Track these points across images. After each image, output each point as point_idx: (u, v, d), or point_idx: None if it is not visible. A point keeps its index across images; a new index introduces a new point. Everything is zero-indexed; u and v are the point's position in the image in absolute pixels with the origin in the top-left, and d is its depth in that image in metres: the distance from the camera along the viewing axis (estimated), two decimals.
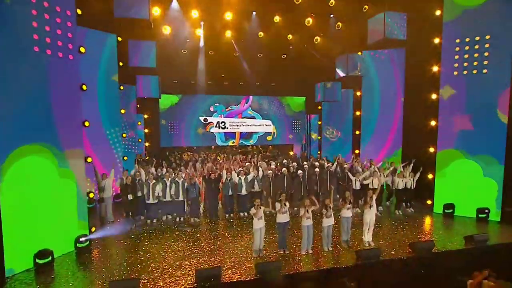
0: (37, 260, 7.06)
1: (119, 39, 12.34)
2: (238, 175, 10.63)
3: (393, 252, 7.72)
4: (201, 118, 17.76)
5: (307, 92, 18.78)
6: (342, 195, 8.82)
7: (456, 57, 10.19)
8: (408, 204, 10.93)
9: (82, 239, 7.90)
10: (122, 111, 12.93)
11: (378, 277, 7.07)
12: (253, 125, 18.59)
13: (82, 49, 8.12)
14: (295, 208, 9.91)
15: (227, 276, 6.61)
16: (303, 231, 7.63)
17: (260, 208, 7.57)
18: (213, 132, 18.02)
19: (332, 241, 8.01)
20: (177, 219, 10.19)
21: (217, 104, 18.03)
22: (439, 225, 9.77)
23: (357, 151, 15.30)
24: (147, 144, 16.56)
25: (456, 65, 10.22)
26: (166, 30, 14.11)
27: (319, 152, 17.96)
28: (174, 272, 6.78)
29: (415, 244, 7.64)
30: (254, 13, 13.60)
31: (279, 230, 7.77)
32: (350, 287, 5.96)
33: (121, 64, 12.61)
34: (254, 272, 6.70)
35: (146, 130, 16.68)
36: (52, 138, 7.39)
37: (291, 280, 6.61)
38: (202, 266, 6.95)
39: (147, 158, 15.06)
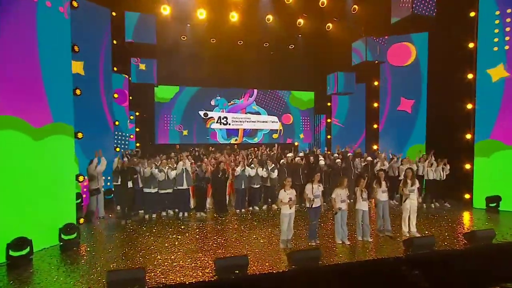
0: (11, 252, 5.88)
1: (114, 14, 11.52)
2: (250, 167, 9.73)
3: (445, 244, 6.77)
4: (201, 113, 16.80)
5: (316, 86, 18.13)
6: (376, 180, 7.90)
7: (496, 30, 9.60)
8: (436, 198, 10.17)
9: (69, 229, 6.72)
10: (115, 95, 11.94)
11: (433, 270, 6.09)
12: (257, 121, 17.69)
13: (75, 3, 7.19)
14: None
15: (254, 268, 5.54)
16: (357, 215, 6.89)
17: (292, 188, 6.62)
18: (214, 129, 17.02)
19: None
20: (181, 214, 9.08)
21: (219, 98, 17.12)
22: (484, 219, 8.83)
23: (375, 147, 14.49)
24: (138, 144, 15.40)
25: (496, 39, 9.61)
26: (166, 10, 13.31)
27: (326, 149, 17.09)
28: (185, 265, 5.69)
29: (473, 233, 6.70)
30: None
31: (311, 216, 6.82)
32: (415, 276, 4.97)
33: (115, 42, 11.75)
34: (286, 263, 5.66)
35: (138, 129, 15.63)
36: (33, 109, 6.35)
37: (333, 271, 5.58)
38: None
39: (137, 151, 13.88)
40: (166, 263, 5.76)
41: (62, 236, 6.69)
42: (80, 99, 7.51)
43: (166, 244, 6.75)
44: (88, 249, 6.64)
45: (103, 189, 9.28)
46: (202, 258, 5.95)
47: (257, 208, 9.83)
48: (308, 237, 6.92)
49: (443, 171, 9.96)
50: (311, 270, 5.50)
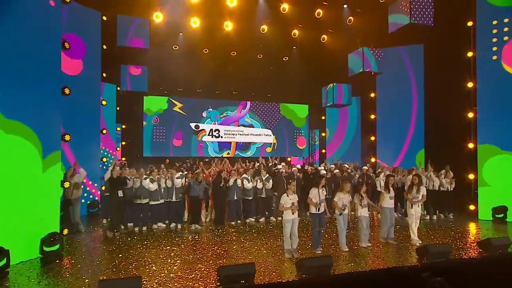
0: None
1: (104, 18, 11.36)
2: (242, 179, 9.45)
3: (459, 252, 6.56)
4: (192, 125, 16.49)
5: (310, 99, 18.20)
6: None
7: (494, 40, 9.83)
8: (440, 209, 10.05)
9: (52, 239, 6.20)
10: (104, 102, 11.59)
11: (451, 279, 5.83)
12: (251, 134, 17.48)
13: None
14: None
15: (260, 277, 5.16)
16: (361, 221, 6.85)
17: (294, 193, 6.45)
18: (205, 141, 16.69)
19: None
20: (173, 225, 8.65)
21: (211, 109, 16.90)
22: (492, 230, 8.69)
23: (373, 159, 14.42)
24: (123, 158, 14.86)
25: (494, 48, 9.83)
26: (158, 18, 13.22)
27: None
28: (184, 276, 5.26)
29: (488, 242, 6.51)
30: None
31: (314, 223, 6.62)
32: (438, 283, 4.68)
33: (105, 47, 11.52)
34: (295, 272, 5.32)
35: (124, 142, 15.19)
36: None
37: (347, 280, 5.24)
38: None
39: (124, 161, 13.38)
40: (162, 274, 5.33)
41: (44, 247, 6.16)
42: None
43: (161, 256, 6.31)
44: (73, 261, 6.12)
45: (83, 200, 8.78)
46: (203, 269, 5.54)
47: (253, 220, 9.47)
48: (312, 246, 6.69)
49: (446, 180, 9.89)
50: (323, 279, 5.16)
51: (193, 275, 5.26)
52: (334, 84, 14.87)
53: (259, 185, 9.56)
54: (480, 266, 6.06)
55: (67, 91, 6.91)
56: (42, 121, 6.31)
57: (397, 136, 13.38)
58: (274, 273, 5.37)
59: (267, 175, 9.85)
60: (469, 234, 8.19)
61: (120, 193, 7.79)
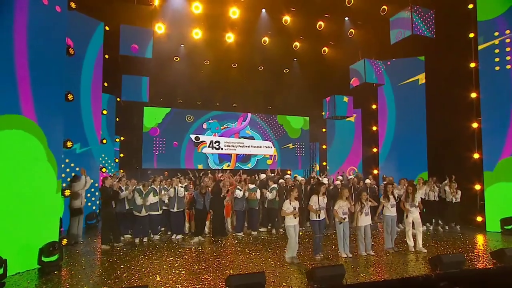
0: None
1: (107, 28, 11.40)
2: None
3: (473, 263, 6.40)
4: (192, 137, 16.38)
5: (311, 111, 18.23)
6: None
7: (496, 51, 9.93)
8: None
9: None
10: (104, 112, 11.50)
11: None
12: (251, 146, 17.37)
13: (73, 4, 6.96)
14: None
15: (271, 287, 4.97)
16: (360, 230, 6.92)
17: (296, 200, 6.63)
18: (205, 153, 16.55)
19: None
20: (173, 236, 8.43)
21: (211, 121, 16.84)
22: (502, 241, 8.52)
23: (375, 171, 14.32)
24: (121, 170, 14.59)
25: (497, 59, 9.91)
26: (160, 29, 13.30)
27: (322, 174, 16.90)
28: (191, 286, 5.04)
29: (502, 252, 6.36)
30: (263, 10, 13.18)
31: (315, 229, 6.73)
32: None
33: (107, 56, 11.52)
34: (305, 282, 5.13)
35: (122, 155, 15.00)
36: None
37: None
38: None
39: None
40: (167, 285, 5.11)
41: (42, 258, 5.93)
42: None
43: (164, 266, 6.09)
44: (73, 272, 5.88)
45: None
46: (210, 279, 5.33)
47: (255, 232, 9.24)
48: (313, 252, 6.81)
49: (450, 190, 9.79)
50: None
51: (200, 285, 5.05)
52: (335, 96, 14.94)
53: (269, 196, 9.41)
54: (497, 276, 5.91)
55: (70, 96, 6.83)
56: (46, 125, 6.18)
57: (400, 147, 13.33)
58: (284, 283, 5.17)
59: (274, 185, 9.69)
60: (479, 245, 8.02)
61: (113, 204, 7.56)
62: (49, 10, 6.34)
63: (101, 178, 8.19)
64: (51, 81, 6.41)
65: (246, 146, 17.25)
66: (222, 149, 16.81)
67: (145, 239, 8.20)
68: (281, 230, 8.85)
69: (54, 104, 6.44)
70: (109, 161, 12.91)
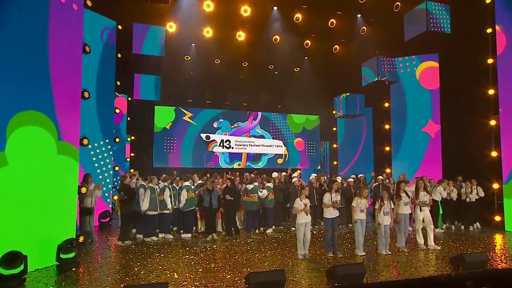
0: (0, 270, 5.13)
1: (120, 27, 11.45)
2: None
3: (496, 263, 6.26)
4: (203, 136, 16.39)
5: (322, 110, 18.11)
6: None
7: None
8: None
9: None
10: (117, 110, 11.57)
11: None
12: (262, 145, 17.32)
13: (89, 2, 7.00)
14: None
15: (290, 286, 4.91)
16: (380, 229, 6.86)
17: (307, 198, 6.71)
18: (215, 152, 16.54)
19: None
20: (184, 235, 8.46)
21: (221, 120, 16.82)
22: None
23: (388, 170, 14.15)
24: (132, 170, 14.61)
25: None
26: (172, 28, 13.31)
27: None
28: (210, 284, 5.02)
29: None
30: (275, 8, 13.12)
31: (327, 226, 6.81)
32: None
33: (119, 55, 11.57)
34: (325, 281, 5.06)
35: (133, 154, 15.06)
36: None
37: None
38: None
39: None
40: (185, 282, 5.09)
41: (61, 255, 5.96)
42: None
43: (181, 264, 6.08)
44: (90, 269, 5.91)
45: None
46: (228, 277, 5.29)
47: (269, 230, 9.20)
48: (325, 249, 6.87)
49: (467, 191, 9.61)
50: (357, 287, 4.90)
51: (218, 283, 5.01)
52: (346, 94, 14.81)
53: (260, 194, 9.29)
54: None
55: (86, 94, 6.86)
56: (62, 122, 6.22)
57: (413, 146, 13.15)
58: (303, 282, 5.12)
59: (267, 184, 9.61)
60: (499, 245, 7.86)
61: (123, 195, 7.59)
62: (66, 8, 6.37)
63: (121, 176, 8.19)
64: (69, 79, 6.44)
65: (257, 145, 17.20)
66: (232, 148, 16.78)
67: (156, 239, 8.17)
68: (293, 228, 8.76)
69: (72, 102, 6.48)
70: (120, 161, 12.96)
